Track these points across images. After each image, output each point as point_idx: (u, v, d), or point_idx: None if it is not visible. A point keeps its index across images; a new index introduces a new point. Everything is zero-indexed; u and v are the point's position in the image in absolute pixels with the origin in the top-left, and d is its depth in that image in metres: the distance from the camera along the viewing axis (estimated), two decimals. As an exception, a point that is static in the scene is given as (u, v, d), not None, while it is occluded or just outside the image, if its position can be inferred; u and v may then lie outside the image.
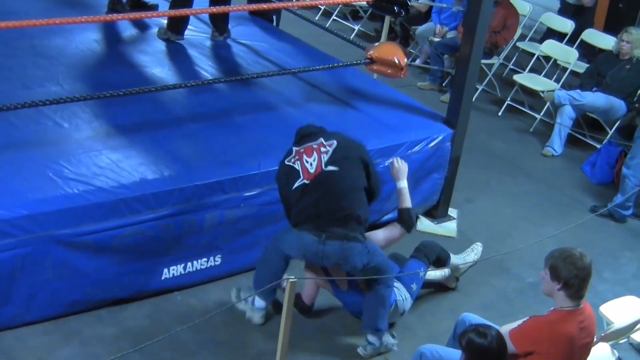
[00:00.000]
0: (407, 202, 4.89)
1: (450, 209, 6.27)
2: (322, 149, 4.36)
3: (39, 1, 7.15)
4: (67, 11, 6.77)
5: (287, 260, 4.59)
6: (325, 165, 4.33)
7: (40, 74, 5.86)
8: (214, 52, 6.91)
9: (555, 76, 8.48)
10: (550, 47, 8.64)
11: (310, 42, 7.52)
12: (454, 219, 6.22)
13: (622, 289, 5.64)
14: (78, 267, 4.48)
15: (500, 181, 7.04)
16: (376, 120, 5.94)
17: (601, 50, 8.59)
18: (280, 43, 7.28)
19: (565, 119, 7.65)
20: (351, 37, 8.23)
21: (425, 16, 9.63)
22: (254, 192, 5.00)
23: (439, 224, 6.11)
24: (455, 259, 5.28)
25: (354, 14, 10.57)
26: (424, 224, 6.07)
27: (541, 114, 8.16)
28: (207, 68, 6.50)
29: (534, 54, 8.86)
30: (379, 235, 4.88)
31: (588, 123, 7.99)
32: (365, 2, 7.19)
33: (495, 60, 8.77)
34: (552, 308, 3.87)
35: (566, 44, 8.74)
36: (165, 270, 4.85)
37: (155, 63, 6.41)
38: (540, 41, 9.08)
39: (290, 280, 3.94)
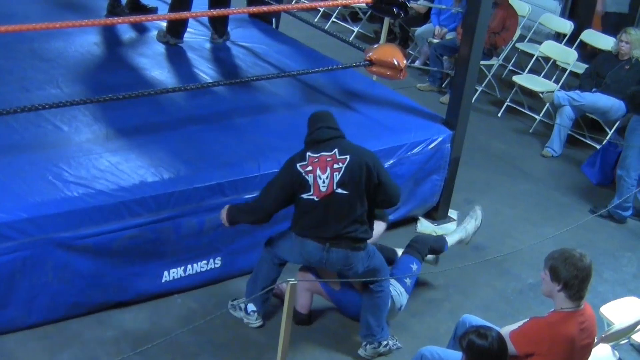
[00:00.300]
0: None
1: (450, 210, 6.27)
2: (335, 166, 4.35)
3: (38, 4, 7.14)
4: (66, 14, 6.75)
5: (283, 265, 4.65)
6: (336, 187, 4.34)
7: (40, 76, 5.85)
8: (214, 54, 6.90)
9: (554, 77, 8.48)
10: (550, 48, 8.63)
11: (310, 44, 7.52)
12: (454, 220, 6.22)
13: (622, 290, 5.65)
14: (78, 270, 4.48)
15: (500, 182, 7.04)
16: (376, 121, 5.94)
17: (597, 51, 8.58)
18: (280, 45, 7.28)
19: (564, 119, 7.64)
20: (350, 39, 8.22)
21: (424, 17, 9.62)
22: (254, 194, 4.99)
23: (439, 225, 6.10)
24: (455, 236, 5.35)
25: (353, 16, 10.56)
26: (424, 225, 6.07)
27: (541, 114, 8.15)
28: (206, 70, 6.50)
29: (533, 55, 8.85)
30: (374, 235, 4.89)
31: (588, 124, 7.97)
32: (364, 4, 7.18)
33: (495, 61, 8.76)
34: (552, 309, 3.87)
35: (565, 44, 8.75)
36: (166, 272, 4.85)
37: (154, 66, 6.41)
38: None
39: (291, 282, 3.95)
